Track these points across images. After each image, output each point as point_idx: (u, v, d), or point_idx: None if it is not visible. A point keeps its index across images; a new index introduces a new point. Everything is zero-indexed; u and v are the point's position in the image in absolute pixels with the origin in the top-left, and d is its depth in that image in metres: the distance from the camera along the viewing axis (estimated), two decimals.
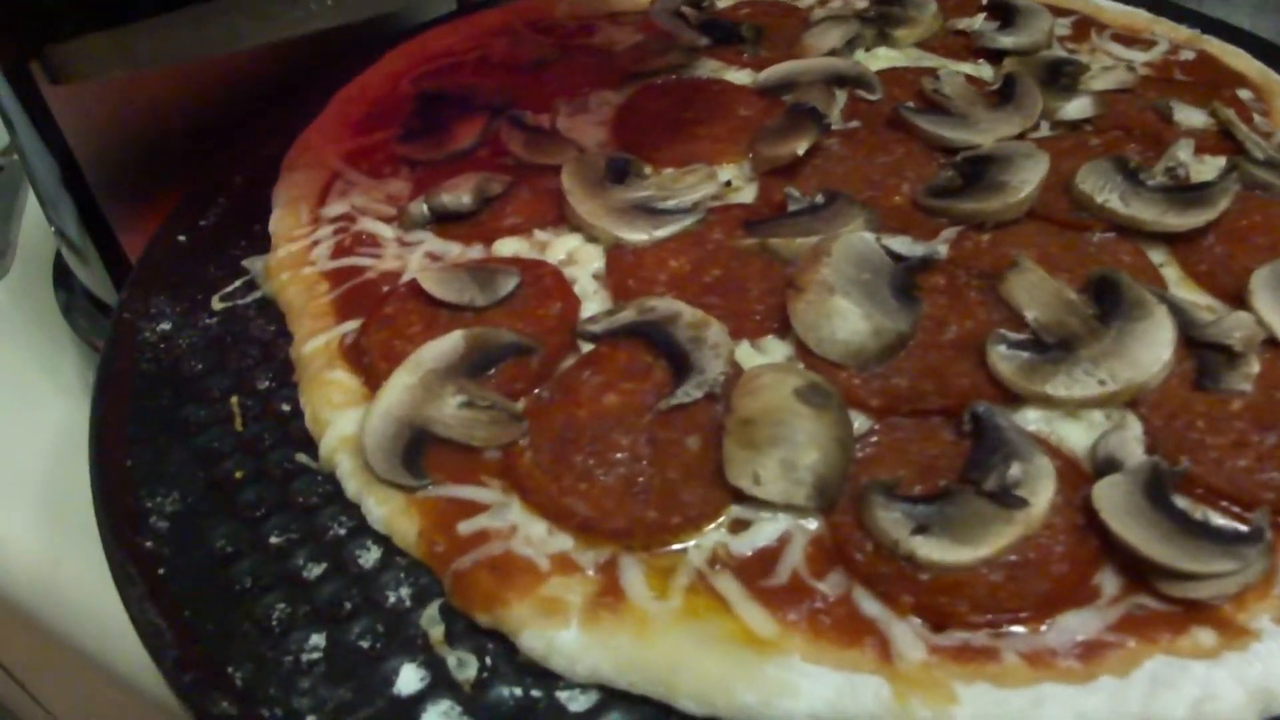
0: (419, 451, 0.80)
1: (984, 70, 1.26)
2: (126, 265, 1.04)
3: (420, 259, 0.99)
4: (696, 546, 0.75)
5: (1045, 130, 1.15)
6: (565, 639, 0.69)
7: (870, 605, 0.68)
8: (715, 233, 0.99)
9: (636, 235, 0.97)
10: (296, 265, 1.00)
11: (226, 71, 1.09)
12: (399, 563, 0.73)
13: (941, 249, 0.96)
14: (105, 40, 0.81)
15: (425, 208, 1.01)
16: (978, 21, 1.33)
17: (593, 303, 0.93)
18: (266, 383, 0.88)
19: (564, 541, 0.75)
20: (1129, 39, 1.36)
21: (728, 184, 1.05)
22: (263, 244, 1.00)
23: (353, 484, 0.80)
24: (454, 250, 1.00)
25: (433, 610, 0.73)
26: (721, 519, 0.76)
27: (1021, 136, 1.10)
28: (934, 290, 0.93)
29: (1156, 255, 0.95)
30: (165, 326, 0.92)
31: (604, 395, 0.83)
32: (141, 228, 1.02)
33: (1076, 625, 0.67)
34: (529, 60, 1.25)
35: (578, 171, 1.02)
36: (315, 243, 1.02)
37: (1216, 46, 1.35)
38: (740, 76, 1.23)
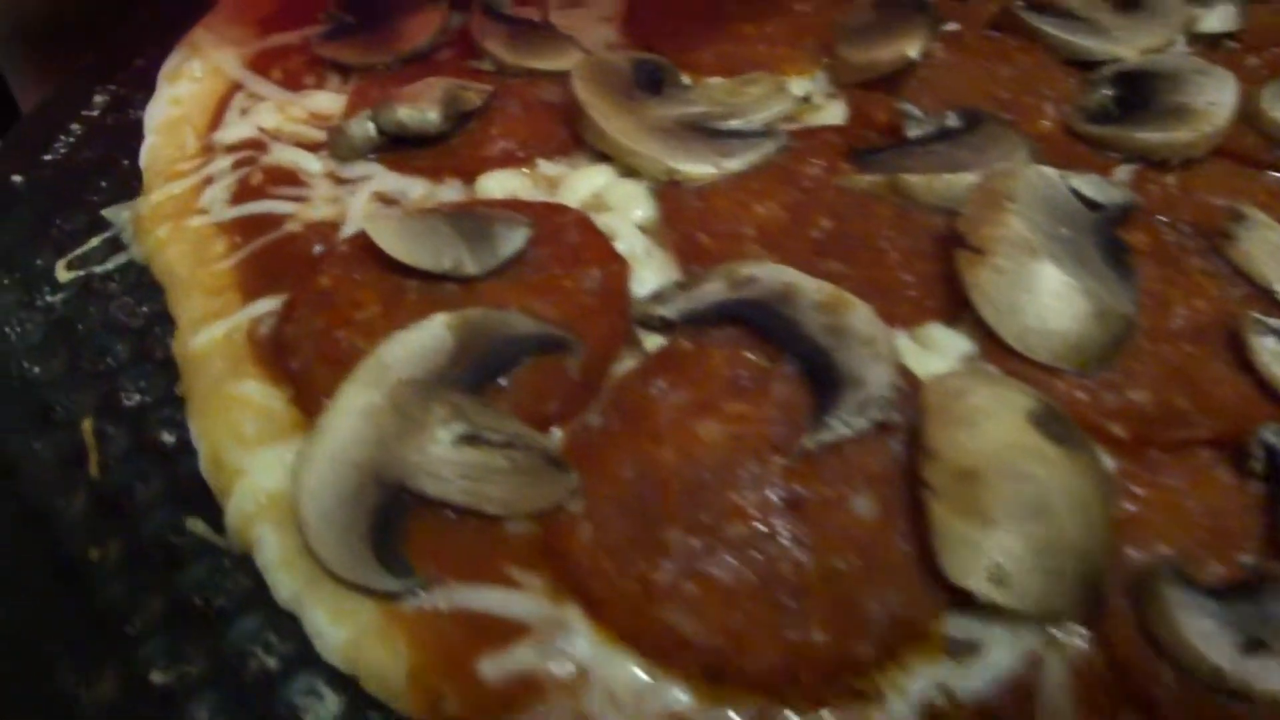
0: (397, 525, 0.45)
1: None
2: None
3: (366, 202, 0.64)
4: (901, 694, 0.40)
5: (1181, 46, 0.85)
6: None
7: None
8: (808, 165, 0.65)
9: (699, 166, 0.63)
10: (180, 214, 0.67)
11: None
12: None
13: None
14: None
15: (372, 126, 0.66)
16: None
17: (647, 269, 0.58)
18: (137, 396, 0.60)
19: (672, 694, 0.40)
20: None
21: (805, 99, 0.71)
22: (132, 185, 0.72)
23: (286, 581, 0.45)
24: (416, 189, 0.67)
25: None
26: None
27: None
28: (1138, 253, 0.62)
29: None
30: None
31: (698, 423, 0.51)
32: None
33: None
34: None
35: (595, 77, 0.67)
36: (207, 180, 0.68)
37: None
38: None
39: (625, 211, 0.64)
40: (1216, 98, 0.72)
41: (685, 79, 0.74)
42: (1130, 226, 0.64)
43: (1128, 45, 0.81)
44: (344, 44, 0.77)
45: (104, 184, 0.73)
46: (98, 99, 0.81)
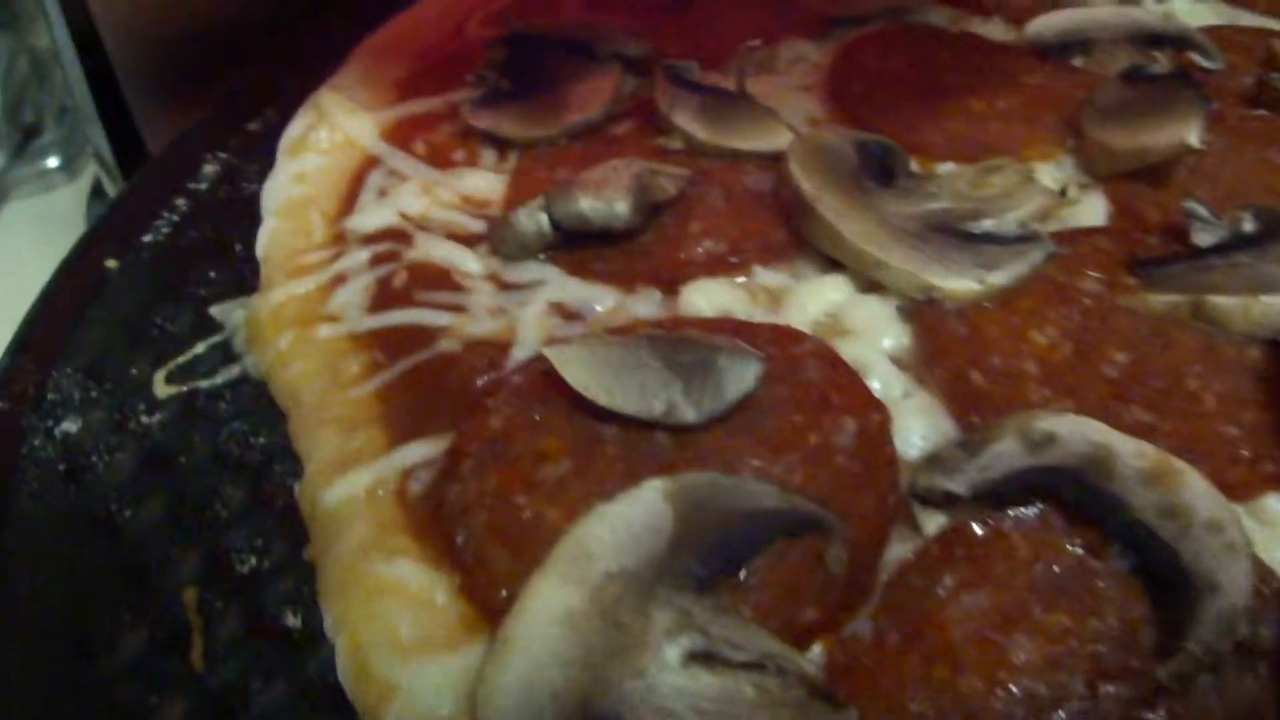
0: None
1: None
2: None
3: (541, 316, 0.50)
4: None
5: None
6: None
7: None
8: (1084, 279, 0.51)
9: (960, 281, 0.51)
10: (307, 320, 0.56)
11: None
12: None
13: None
14: None
15: (545, 219, 0.53)
16: None
17: (910, 416, 0.45)
18: (253, 559, 0.47)
19: None
20: None
21: (1062, 193, 0.56)
22: (245, 277, 0.61)
23: None
24: (603, 300, 0.53)
25: None
26: None
27: None
28: None
29: None
30: (71, 427, 0.54)
31: (1006, 639, 0.38)
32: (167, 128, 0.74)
33: None
34: None
35: (816, 164, 0.54)
36: (339, 279, 0.56)
37: None
38: (990, 29, 0.76)
39: (872, 339, 0.50)
40: None
41: (915, 165, 0.61)
42: None
43: None
44: (500, 113, 0.64)
45: (212, 274, 0.62)
46: (207, 169, 0.69)
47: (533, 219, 0.55)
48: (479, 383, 0.49)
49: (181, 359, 0.57)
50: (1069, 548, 0.42)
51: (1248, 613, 0.39)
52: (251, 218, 0.65)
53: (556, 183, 0.57)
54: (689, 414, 0.45)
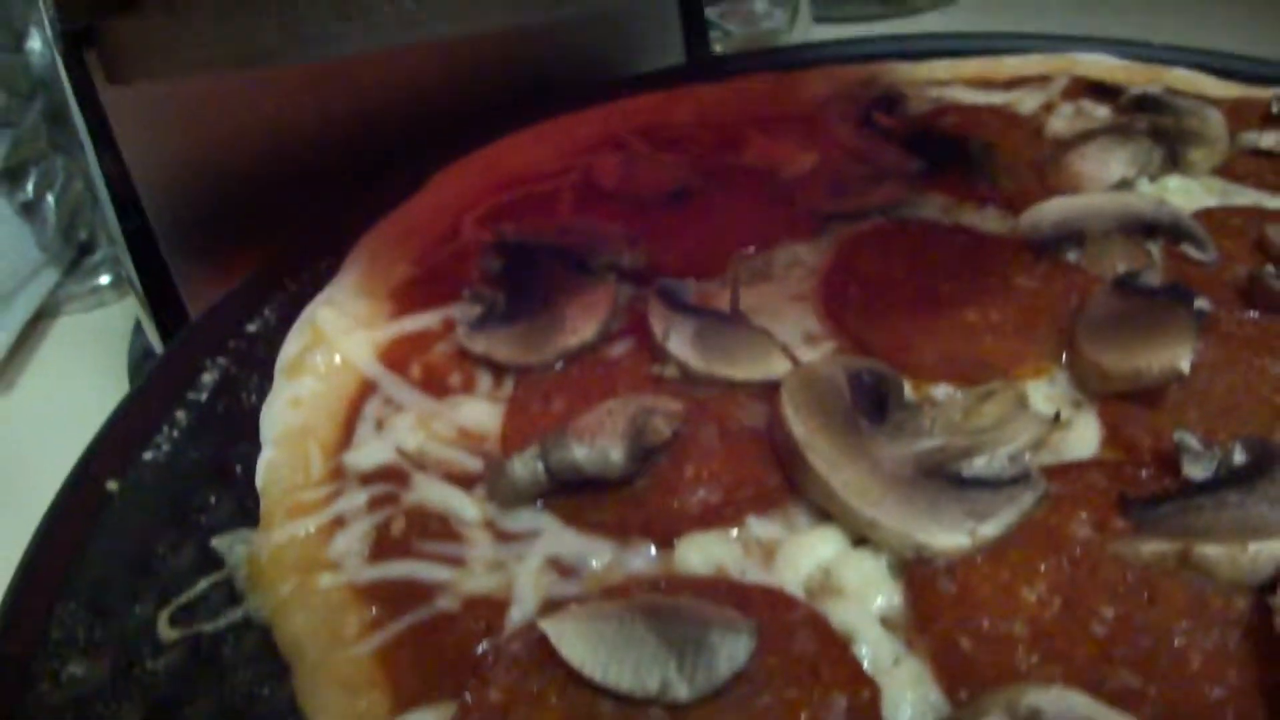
0: None
1: None
2: (181, 316, 0.81)
3: (537, 573, 0.52)
4: None
5: None
6: None
7: None
8: (1075, 523, 0.53)
9: (951, 536, 0.52)
10: (307, 566, 0.56)
11: (322, 121, 0.85)
12: None
13: None
14: (165, 23, 0.62)
15: (540, 467, 0.54)
16: None
17: (900, 688, 0.47)
18: None
19: None
20: None
21: (1055, 418, 0.58)
22: (246, 504, 0.62)
23: None
24: (599, 554, 0.54)
25: None
26: None
27: None
28: None
29: None
30: (78, 670, 0.54)
31: None
32: (202, 283, 0.80)
33: None
34: (659, 190, 0.78)
35: (809, 404, 0.56)
36: (338, 522, 0.57)
37: None
38: (985, 220, 0.77)
39: (863, 600, 0.52)
40: None
41: (909, 390, 0.63)
42: None
43: None
44: (495, 337, 0.66)
45: (213, 499, 0.63)
46: (205, 377, 0.71)
47: (528, 467, 0.56)
48: (478, 650, 0.51)
49: (185, 597, 0.57)
50: None
51: None
52: (251, 438, 0.65)
53: (552, 424, 0.59)
54: (682, 691, 0.46)
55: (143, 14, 0.66)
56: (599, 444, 0.56)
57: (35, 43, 1.03)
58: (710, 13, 1.19)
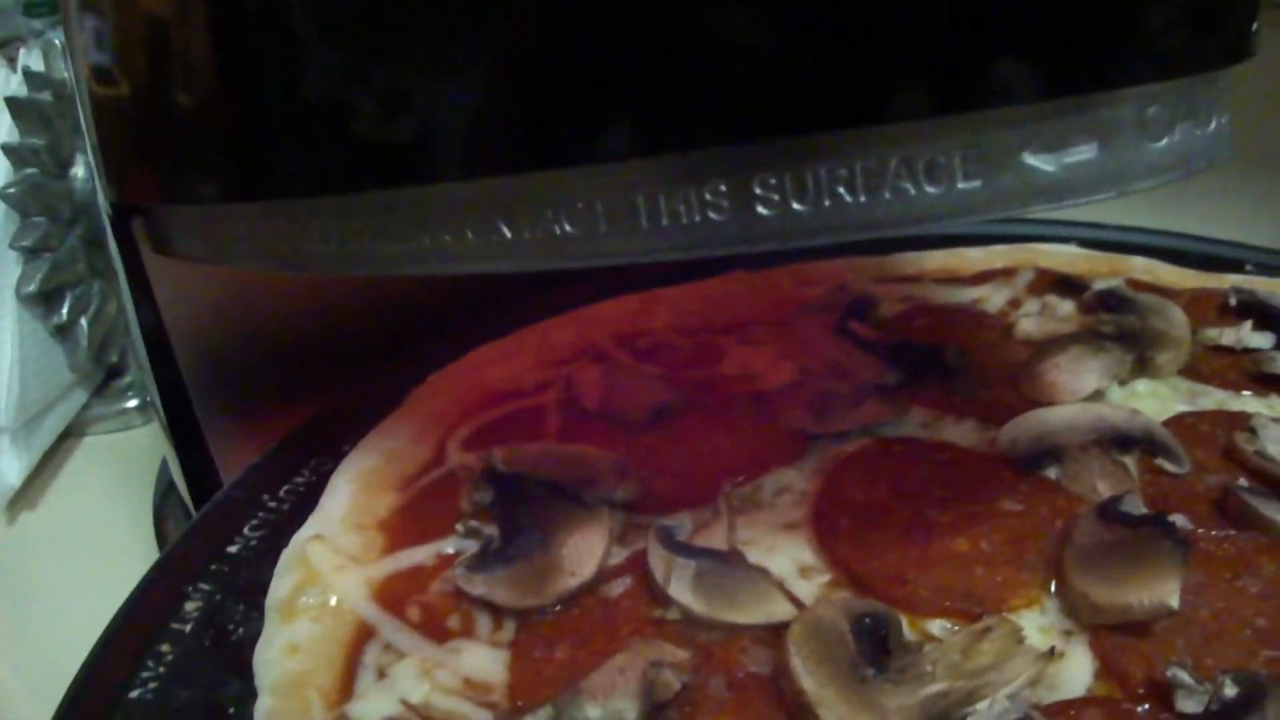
0: None
1: (1270, 412, 0.88)
2: (213, 480, 0.85)
3: None
4: None
5: None
6: None
7: None
8: None
9: None
10: None
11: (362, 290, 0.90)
12: None
13: None
14: (214, 213, 0.64)
15: None
16: (1245, 334, 0.97)
17: None
18: None
19: None
20: None
21: (1050, 652, 0.61)
22: None
23: None
24: None
25: None
26: None
27: None
28: None
29: None
30: None
31: None
32: (236, 442, 0.85)
33: None
34: (642, 409, 0.81)
35: (816, 654, 0.59)
36: None
37: None
38: (964, 434, 0.81)
39: None
40: None
41: (907, 628, 0.65)
42: None
43: None
44: (493, 578, 0.68)
45: None
46: (189, 605, 0.72)
47: None
48: None
49: None
50: None
51: None
52: (241, 676, 0.65)
53: (557, 672, 0.61)
54: None
55: (191, 203, 0.68)
56: (612, 705, 0.57)
57: (79, 169, 1.09)
58: None
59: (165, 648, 0.69)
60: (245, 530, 0.78)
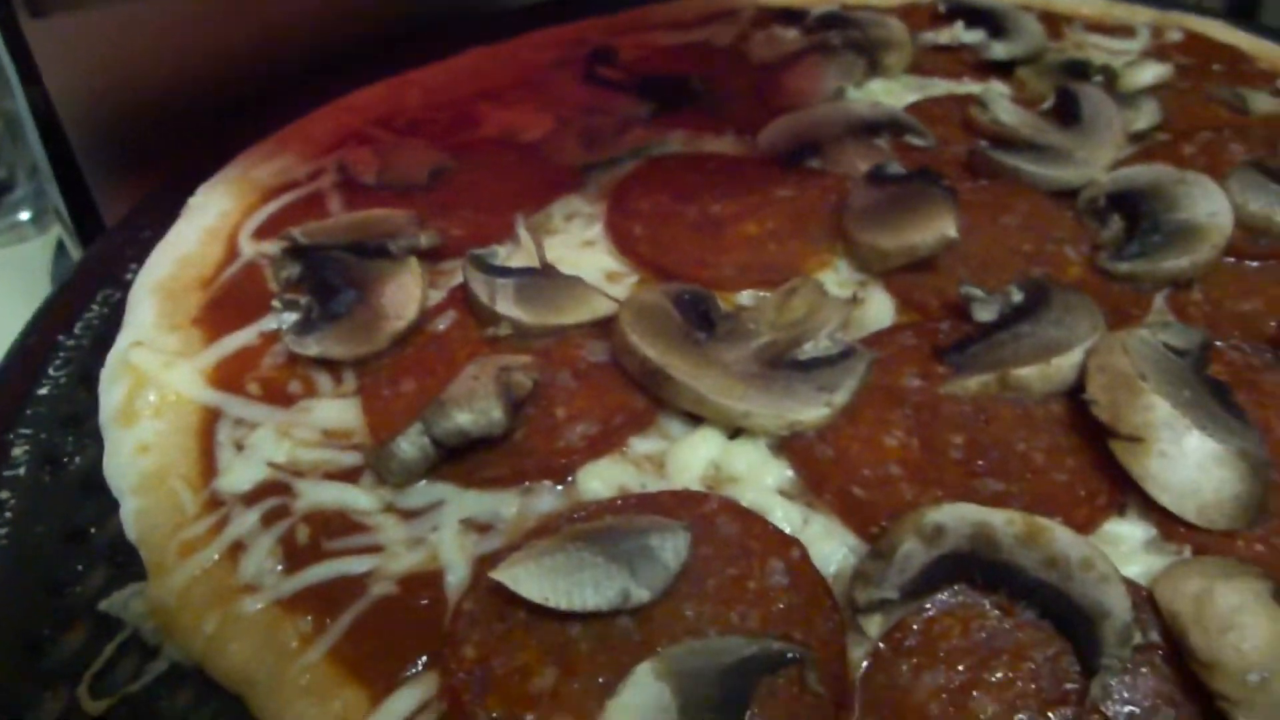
0: None
1: (995, 88, 1.03)
2: (97, 224, 0.96)
3: (455, 537, 0.59)
4: None
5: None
6: None
7: None
8: (905, 378, 0.65)
9: (813, 410, 0.63)
10: (223, 598, 0.59)
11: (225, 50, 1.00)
12: None
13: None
14: None
15: (427, 442, 0.60)
16: (958, 33, 1.11)
17: (820, 540, 0.58)
18: None
19: None
20: (1106, 28, 1.16)
21: (853, 298, 0.71)
22: (119, 561, 0.64)
23: None
24: (507, 507, 0.61)
25: None
26: None
27: None
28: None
29: None
30: None
31: (971, 703, 0.52)
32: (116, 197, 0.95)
33: None
34: (418, 174, 0.85)
35: (650, 329, 0.66)
36: (238, 546, 0.61)
37: (1198, 23, 1.19)
38: (726, 145, 0.90)
39: (758, 481, 0.61)
40: (1213, 206, 0.79)
41: (721, 303, 0.73)
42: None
43: (1093, 165, 0.87)
44: (323, 336, 0.71)
45: (80, 567, 0.63)
46: (16, 451, 0.70)
47: (415, 444, 0.62)
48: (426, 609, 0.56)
49: (95, 668, 0.57)
50: (987, 612, 0.54)
51: (1135, 621, 0.52)
52: (93, 495, 0.66)
53: (410, 404, 0.66)
54: (643, 595, 0.54)
55: None
56: (478, 406, 0.62)
57: None
58: None
59: (4, 495, 0.68)
60: (50, 371, 0.77)
